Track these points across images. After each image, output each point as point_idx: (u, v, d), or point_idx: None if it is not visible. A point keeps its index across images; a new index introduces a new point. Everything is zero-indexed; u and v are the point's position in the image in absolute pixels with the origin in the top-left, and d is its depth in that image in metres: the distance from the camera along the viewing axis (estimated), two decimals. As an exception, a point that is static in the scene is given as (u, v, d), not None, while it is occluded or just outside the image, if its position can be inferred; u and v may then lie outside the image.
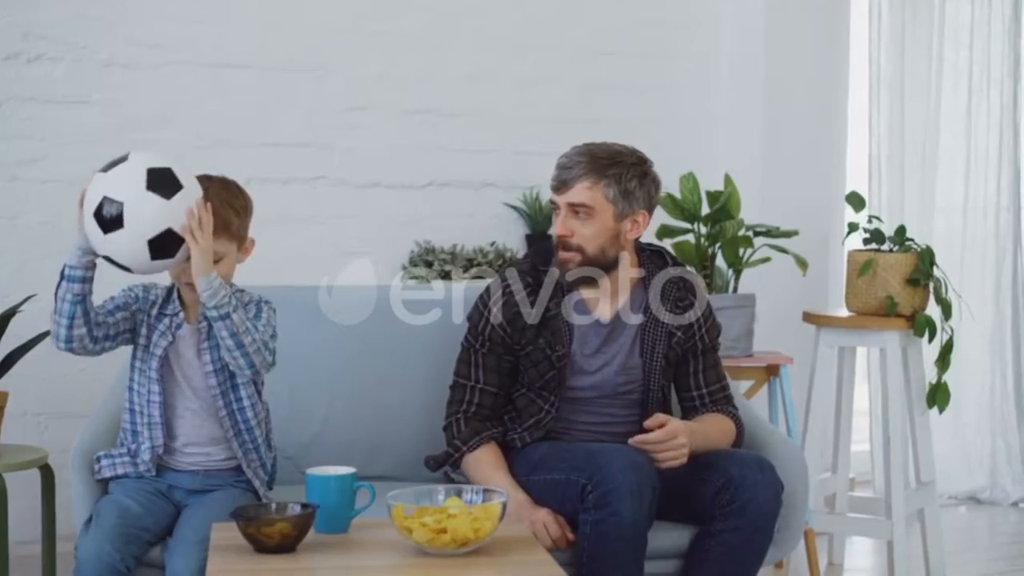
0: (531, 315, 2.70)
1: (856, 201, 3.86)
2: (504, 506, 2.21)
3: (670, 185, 3.94)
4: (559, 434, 2.76)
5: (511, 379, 2.76)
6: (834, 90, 4.65)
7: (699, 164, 3.97)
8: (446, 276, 3.94)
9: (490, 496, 2.26)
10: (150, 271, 2.40)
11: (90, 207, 2.34)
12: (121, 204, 2.31)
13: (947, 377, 3.79)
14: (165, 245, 2.35)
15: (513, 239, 4.28)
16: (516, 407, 2.77)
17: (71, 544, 2.52)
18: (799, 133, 4.51)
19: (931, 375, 3.81)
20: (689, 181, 3.76)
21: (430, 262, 4.01)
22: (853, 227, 3.78)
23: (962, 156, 4.87)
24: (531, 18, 4.36)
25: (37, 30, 3.78)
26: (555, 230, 2.69)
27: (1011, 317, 4.88)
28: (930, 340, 3.71)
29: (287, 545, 2.19)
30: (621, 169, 2.64)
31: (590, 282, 2.71)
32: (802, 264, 3.80)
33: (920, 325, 3.67)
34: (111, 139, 3.85)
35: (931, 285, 3.68)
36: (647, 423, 2.57)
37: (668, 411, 2.75)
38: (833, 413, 3.95)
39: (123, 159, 2.38)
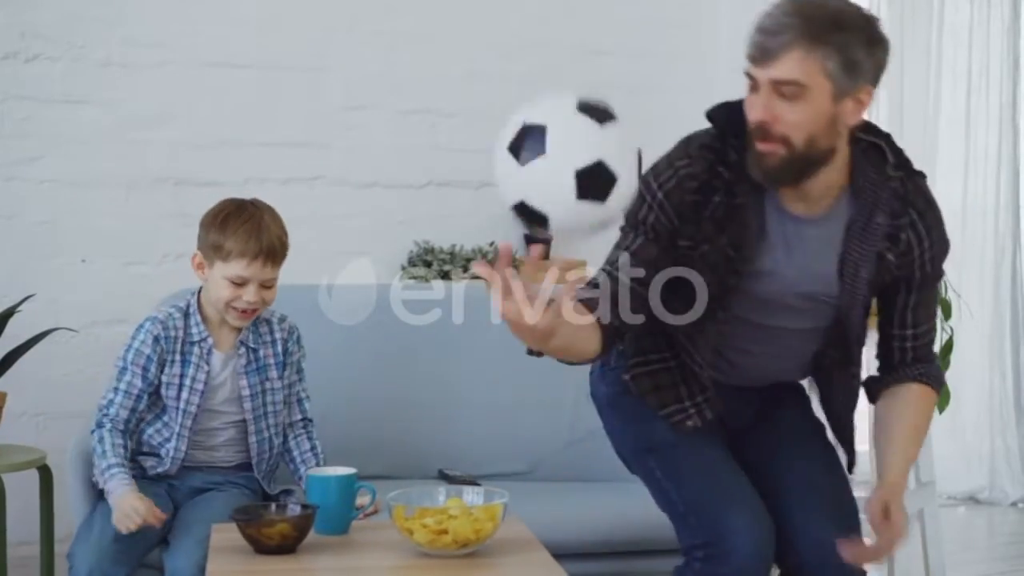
0: (714, 205, 2.11)
1: (856, 201, 3.86)
2: (505, 507, 2.20)
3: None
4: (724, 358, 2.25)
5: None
6: (833, 90, 4.65)
7: (698, 164, 3.96)
8: (445, 276, 3.93)
9: (491, 496, 2.26)
10: (569, 223, 1.84)
11: (505, 139, 1.84)
12: (544, 127, 1.81)
13: (947, 377, 3.78)
14: (595, 182, 1.80)
15: (512, 239, 4.27)
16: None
17: (69, 545, 2.51)
18: (798, 133, 4.50)
19: (931, 375, 3.80)
20: (689, 181, 3.75)
21: (429, 262, 4.01)
22: (853, 227, 3.77)
23: (961, 156, 4.87)
24: (530, 18, 4.35)
25: (35, 29, 3.77)
26: (751, 113, 2.08)
27: (1010, 317, 4.88)
28: (930, 340, 3.70)
29: (287, 546, 2.18)
30: (846, 35, 2.00)
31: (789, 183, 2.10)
32: (802, 264, 3.79)
33: (920, 325, 3.66)
34: (109, 139, 3.85)
35: (931, 285, 3.67)
36: (868, 508, 2.08)
37: (859, 351, 2.24)
38: (833, 413, 3.94)
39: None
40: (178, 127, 3.92)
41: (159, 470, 2.54)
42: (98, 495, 2.56)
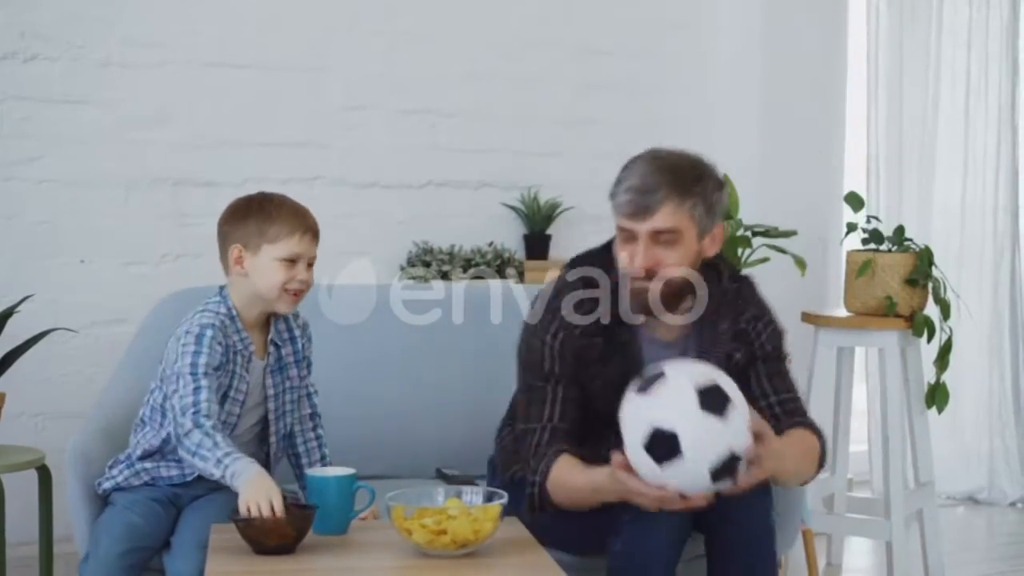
0: (596, 345, 2.42)
1: (854, 201, 3.86)
2: (504, 507, 2.20)
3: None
4: None
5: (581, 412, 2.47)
6: (832, 90, 4.65)
7: (698, 164, 3.96)
8: (444, 276, 3.93)
9: (490, 497, 2.26)
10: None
11: (637, 437, 2.11)
12: (675, 433, 2.08)
13: (945, 377, 3.79)
14: (727, 469, 2.10)
15: (511, 240, 4.28)
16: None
17: (69, 545, 2.51)
18: (797, 133, 4.51)
19: (930, 375, 3.80)
20: (688, 181, 3.75)
21: (428, 262, 4.01)
22: (851, 227, 3.78)
23: (960, 156, 4.87)
24: (529, 18, 4.36)
25: (34, 29, 3.77)
26: (633, 264, 2.35)
27: (1008, 317, 4.88)
28: (929, 340, 3.71)
29: (286, 546, 2.17)
30: (706, 184, 2.36)
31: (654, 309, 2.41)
32: (801, 264, 3.80)
33: (919, 325, 3.67)
34: (108, 139, 3.85)
35: (930, 285, 3.68)
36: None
37: None
38: (832, 413, 3.95)
39: (661, 375, 2.13)
40: (178, 127, 3.92)
41: (188, 478, 2.50)
42: (102, 500, 2.54)
